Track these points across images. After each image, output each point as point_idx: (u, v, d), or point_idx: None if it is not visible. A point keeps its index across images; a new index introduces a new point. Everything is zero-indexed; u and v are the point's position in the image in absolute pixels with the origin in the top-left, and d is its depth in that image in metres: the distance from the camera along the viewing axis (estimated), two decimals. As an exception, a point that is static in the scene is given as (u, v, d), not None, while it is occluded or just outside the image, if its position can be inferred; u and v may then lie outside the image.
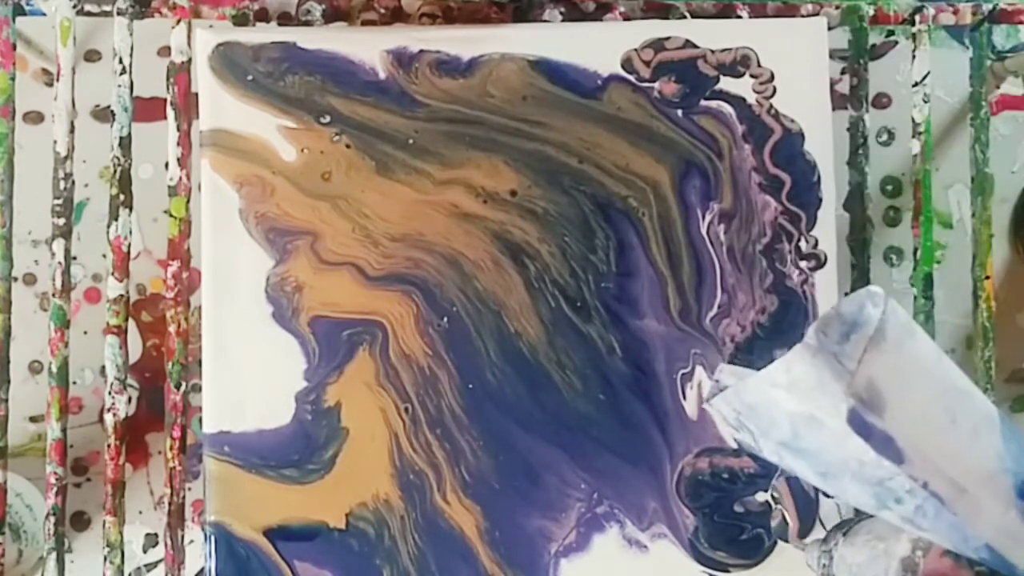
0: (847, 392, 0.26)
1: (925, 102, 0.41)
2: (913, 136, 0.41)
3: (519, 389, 0.37)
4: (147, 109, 0.49)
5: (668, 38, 0.38)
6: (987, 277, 0.41)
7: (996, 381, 0.41)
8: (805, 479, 0.29)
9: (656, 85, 0.38)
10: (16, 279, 0.52)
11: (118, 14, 0.40)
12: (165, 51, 0.48)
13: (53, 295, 0.39)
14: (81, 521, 0.54)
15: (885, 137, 0.55)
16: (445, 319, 0.37)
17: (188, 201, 0.39)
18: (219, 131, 0.37)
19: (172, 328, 0.39)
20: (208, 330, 0.37)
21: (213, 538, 0.37)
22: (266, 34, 0.37)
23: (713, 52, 0.38)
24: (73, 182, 0.39)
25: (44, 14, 0.40)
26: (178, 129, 0.39)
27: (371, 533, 0.37)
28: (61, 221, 0.39)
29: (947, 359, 0.27)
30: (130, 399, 0.40)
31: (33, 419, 0.53)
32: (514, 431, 0.37)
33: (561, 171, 0.37)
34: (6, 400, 0.39)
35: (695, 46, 0.38)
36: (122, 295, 0.39)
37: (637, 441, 0.37)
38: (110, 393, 0.39)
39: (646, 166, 0.38)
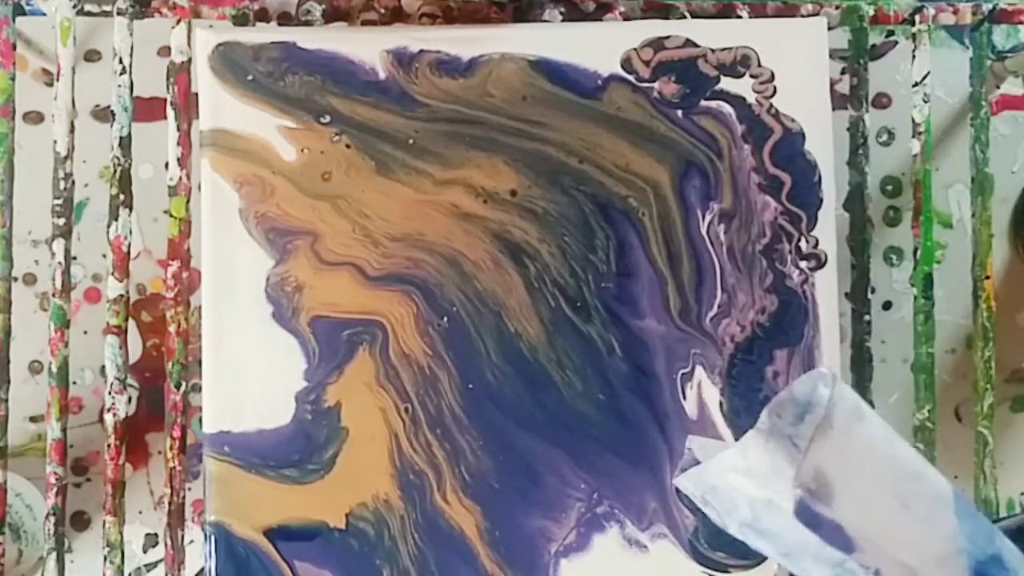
0: (794, 483, 0.26)
1: (925, 102, 0.41)
2: (913, 136, 0.41)
3: (519, 389, 0.37)
4: (147, 109, 0.49)
5: (668, 37, 0.38)
6: (987, 277, 0.41)
7: (996, 381, 0.41)
8: (771, 557, 0.29)
9: (656, 85, 0.38)
10: (16, 279, 0.52)
11: (118, 14, 0.40)
12: (165, 51, 0.48)
13: (53, 295, 0.39)
14: (81, 521, 0.54)
15: (885, 137, 0.55)
16: (445, 319, 0.37)
17: (188, 201, 0.39)
18: (219, 131, 0.37)
19: (172, 328, 0.39)
20: (208, 330, 0.37)
21: (213, 538, 0.37)
22: (266, 34, 0.37)
23: (713, 51, 0.38)
24: (73, 182, 0.39)
25: (44, 14, 0.40)
26: (178, 129, 0.39)
27: (371, 533, 0.37)
28: (61, 221, 0.39)
29: (898, 440, 0.27)
30: (130, 399, 0.40)
31: (33, 419, 0.53)
32: (514, 431, 0.37)
33: (561, 171, 0.37)
34: (6, 400, 0.39)
35: (695, 45, 0.38)
36: (122, 295, 0.39)
37: (637, 441, 0.37)
38: (110, 393, 0.39)
39: (646, 166, 0.38)
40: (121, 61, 0.39)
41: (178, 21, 0.40)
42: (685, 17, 0.40)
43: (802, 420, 0.27)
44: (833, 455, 0.26)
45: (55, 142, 0.39)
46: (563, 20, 0.40)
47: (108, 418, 0.39)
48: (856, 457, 0.27)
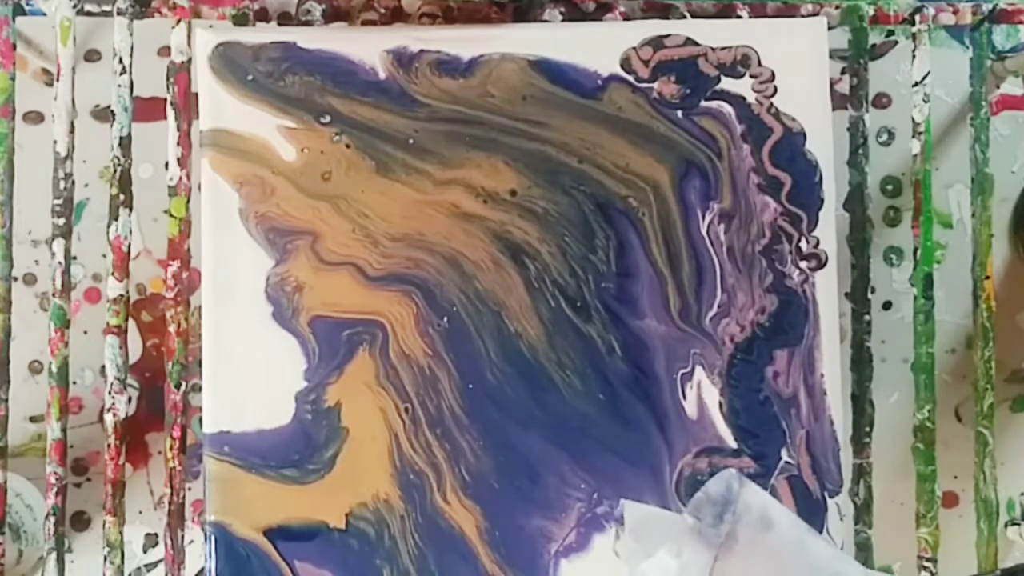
0: None
1: (925, 102, 0.41)
2: (913, 136, 0.41)
3: (519, 389, 0.37)
4: (147, 109, 0.49)
5: (668, 36, 0.38)
6: (987, 277, 0.41)
7: (996, 381, 0.41)
8: None
9: (655, 85, 0.38)
10: (16, 279, 0.52)
11: (118, 14, 0.40)
12: (165, 51, 0.48)
13: (53, 295, 0.39)
14: (81, 521, 0.54)
15: (885, 137, 0.55)
16: (445, 319, 0.37)
17: (188, 201, 0.39)
18: (219, 131, 0.37)
19: (172, 328, 0.39)
20: (208, 330, 0.37)
21: (213, 538, 0.37)
22: (266, 34, 0.37)
23: (714, 50, 0.38)
24: (73, 182, 0.39)
25: (44, 14, 0.40)
26: (178, 129, 0.39)
27: (371, 533, 0.37)
28: (61, 221, 0.39)
29: (815, 540, 0.27)
30: (130, 399, 0.40)
31: (33, 419, 0.53)
32: (514, 431, 0.37)
33: (561, 171, 0.37)
34: (6, 400, 0.39)
35: (696, 44, 0.38)
36: (122, 295, 0.39)
37: (637, 441, 0.37)
38: (110, 393, 0.39)
39: (646, 166, 0.38)
40: (121, 61, 0.39)
41: (178, 21, 0.40)
42: (685, 17, 0.40)
43: (721, 520, 0.27)
44: (739, 572, 0.26)
45: (55, 142, 0.39)
46: (563, 20, 0.40)
47: (108, 418, 0.39)
48: (764, 570, 0.27)
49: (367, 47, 0.37)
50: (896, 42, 0.54)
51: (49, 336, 0.39)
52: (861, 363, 0.40)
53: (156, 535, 0.54)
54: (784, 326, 0.38)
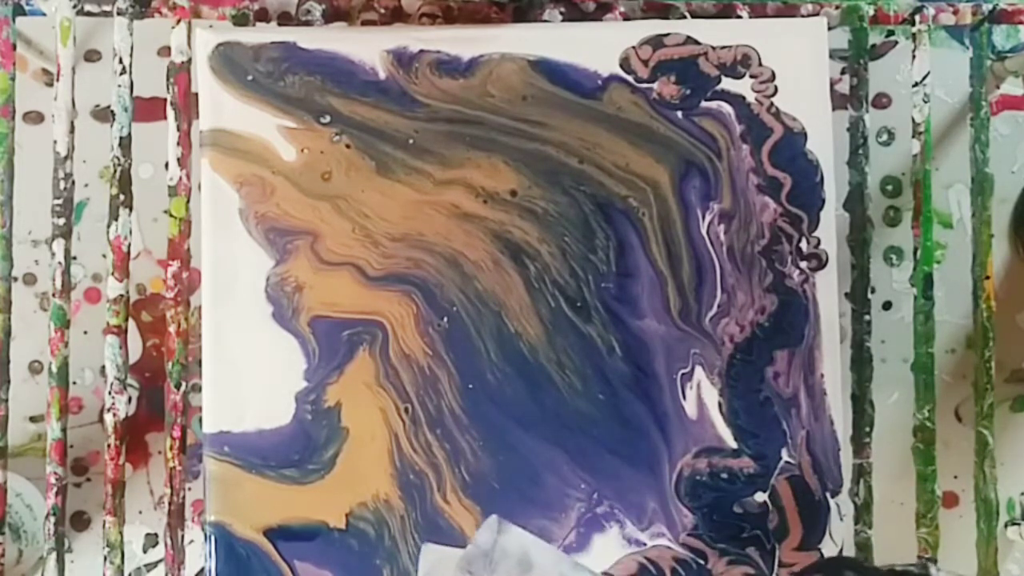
0: None
1: (925, 102, 0.41)
2: (913, 136, 0.41)
3: (519, 389, 0.37)
4: (147, 109, 0.49)
5: (668, 35, 0.38)
6: (987, 277, 0.41)
7: (996, 381, 0.41)
8: None
9: (655, 86, 0.38)
10: (16, 279, 0.52)
11: (118, 14, 0.40)
12: (165, 51, 0.48)
13: (53, 295, 0.39)
14: (81, 521, 0.54)
15: (885, 137, 0.55)
16: (445, 319, 0.37)
17: (188, 201, 0.39)
18: (219, 131, 0.37)
19: (172, 328, 0.39)
20: (208, 330, 0.37)
21: (213, 538, 0.37)
22: (266, 34, 0.37)
23: (714, 49, 0.38)
24: (73, 182, 0.39)
25: (44, 14, 0.40)
26: (178, 129, 0.39)
27: (371, 533, 0.37)
28: (61, 221, 0.39)
29: (578, 573, 0.28)
30: (130, 399, 0.40)
31: (33, 419, 0.53)
32: (514, 431, 0.37)
33: (561, 171, 0.37)
34: (6, 400, 0.39)
35: (696, 42, 0.38)
36: (122, 295, 0.39)
37: (637, 441, 0.37)
38: (110, 393, 0.39)
39: (646, 166, 0.38)
40: (121, 61, 0.39)
41: (178, 21, 0.40)
42: (685, 17, 0.40)
43: (495, 569, 0.28)
44: None
45: (55, 142, 0.39)
46: (563, 20, 0.40)
47: (108, 418, 0.39)
48: None
49: (367, 47, 0.37)
50: (896, 42, 0.54)
51: (49, 336, 0.39)
52: (861, 363, 0.40)
53: (156, 535, 0.54)
54: (784, 326, 0.38)
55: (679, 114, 0.38)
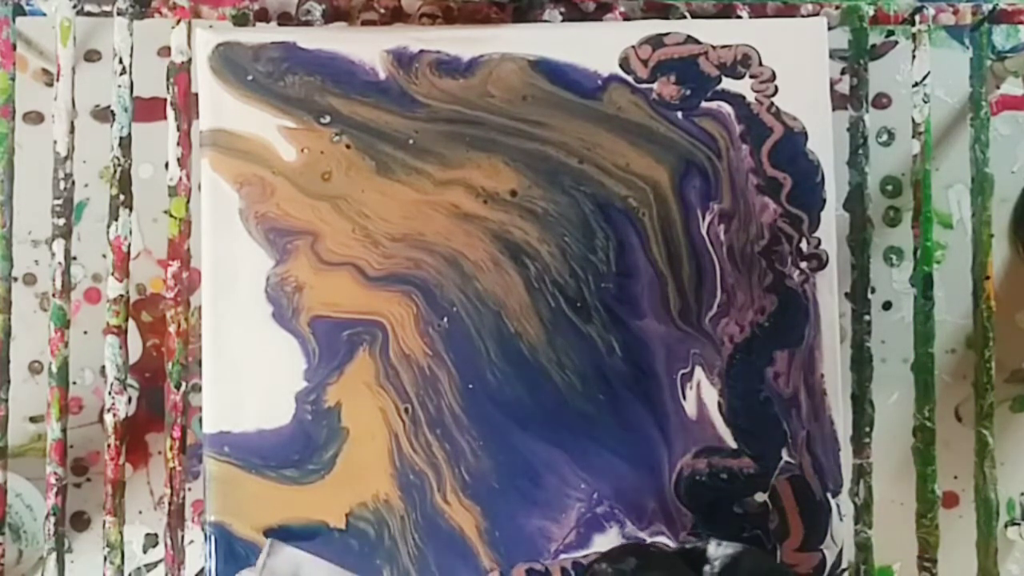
0: None
1: (925, 102, 0.41)
2: (913, 136, 0.41)
3: (519, 389, 0.37)
4: (147, 109, 0.49)
5: (668, 34, 0.38)
6: (987, 277, 0.41)
7: (996, 381, 0.41)
8: None
9: (655, 86, 0.38)
10: (16, 279, 0.52)
11: (118, 14, 0.40)
12: (165, 51, 0.48)
13: (53, 295, 0.39)
14: (81, 521, 0.54)
15: (885, 137, 0.55)
16: (445, 319, 0.37)
17: (188, 201, 0.39)
18: (219, 131, 0.37)
19: (172, 328, 0.39)
20: (208, 330, 0.37)
21: (213, 538, 0.37)
22: (266, 34, 0.37)
23: (714, 49, 0.38)
24: (73, 182, 0.39)
25: (44, 14, 0.40)
26: (178, 129, 0.39)
27: (371, 533, 0.37)
28: (61, 221, 0.39)
29: None
30: (130, 399, 0.40)
31: (33, 419, 0.53)
32: (514, 431, 0.37)
33: (561, 171, 0.37)
34: (6, 400, 0.39)
35: (696, 41, 0.38)
36: (122, 295, 0.39)
37: (637, 441, 0.37)
38: (110, 393, 0.39)
39: (646, 166, 0.38)
40: (121, 61, 0.39)
41: (178, 21, 0.40)
42: (685, 17, 0.40)
43: None
44: None
45: (55, 142, 0.39)
46: (563, 20, 0.40)
47: (108, 418, 0.39)
48: None
49: (367, 47, 0.37)
50: (896, 42, 0.54)
51: (49, 336, 0.39)
52: (861, 363, 0.40)
53: (156, 535, 0.54)
54: (784, 326, 0.38)
55: (679, 114, 0.38)
